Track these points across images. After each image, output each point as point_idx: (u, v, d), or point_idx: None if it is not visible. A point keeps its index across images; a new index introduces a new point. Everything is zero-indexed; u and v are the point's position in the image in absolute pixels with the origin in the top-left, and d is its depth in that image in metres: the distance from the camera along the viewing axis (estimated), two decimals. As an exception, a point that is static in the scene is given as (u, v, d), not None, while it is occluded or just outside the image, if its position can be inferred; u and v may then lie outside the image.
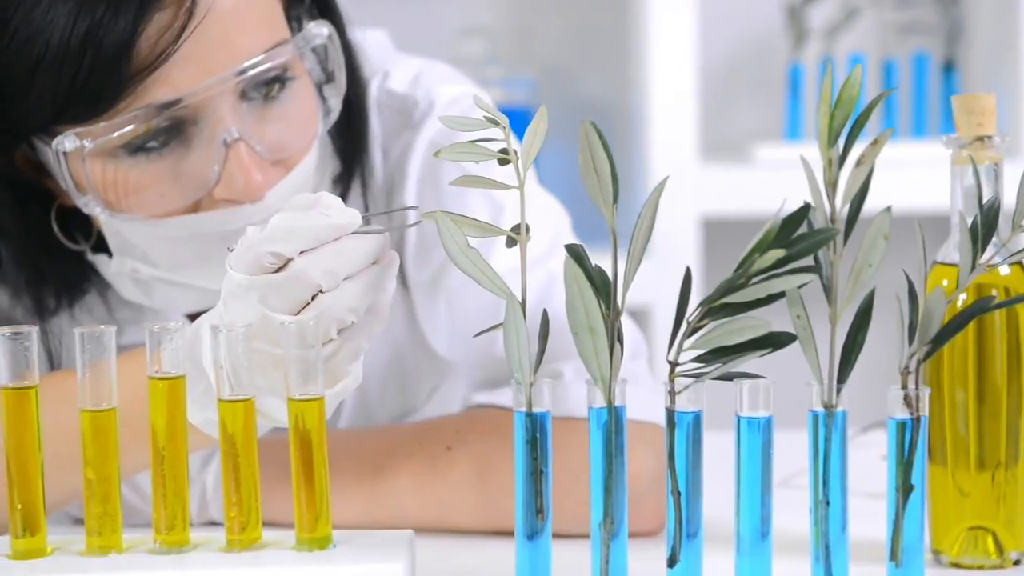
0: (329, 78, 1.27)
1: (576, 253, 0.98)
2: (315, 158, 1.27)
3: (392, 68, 1.40)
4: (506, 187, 1.07)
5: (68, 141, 1.18)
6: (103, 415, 1.00)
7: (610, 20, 2.80)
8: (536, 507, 1.00)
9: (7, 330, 1.00)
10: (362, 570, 0.96)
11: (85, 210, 1.22)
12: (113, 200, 1.21)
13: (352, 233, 1.05)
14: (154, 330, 1.01)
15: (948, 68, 2.69)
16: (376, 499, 1.27)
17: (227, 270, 1.06)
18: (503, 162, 1.06)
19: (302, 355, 1.00)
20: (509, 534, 1.23)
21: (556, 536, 1.23)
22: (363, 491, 1.26)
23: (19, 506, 1.00)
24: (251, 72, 1.19)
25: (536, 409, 1.00)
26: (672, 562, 0.98)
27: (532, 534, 1.00)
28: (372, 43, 1.41)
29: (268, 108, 1.21)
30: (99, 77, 1.14)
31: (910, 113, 2.70)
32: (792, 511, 1.12)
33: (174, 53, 1.15)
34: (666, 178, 1.01)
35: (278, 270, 1.04)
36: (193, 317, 1.35)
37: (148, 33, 1.15)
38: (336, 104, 1.27)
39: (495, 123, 1.05)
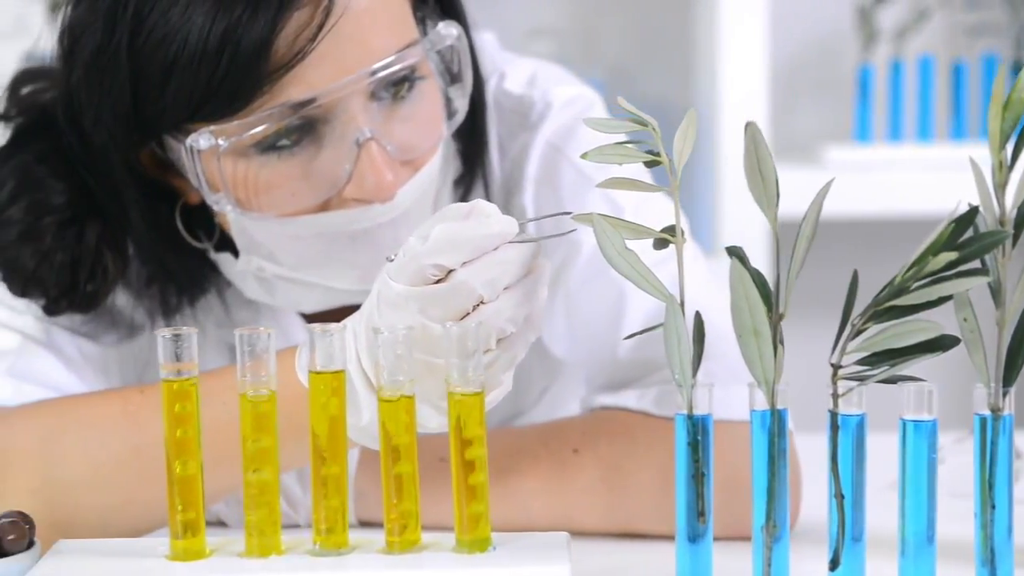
0: (455, 79, 1.27)
1: (740, 255, 0.98)
2: (439, 159, 1.27)
3: (508, 69, 1.40)
4: (657, 188, 1.07)
5: (203, 139, 1.18)
6: (262, 412, 1.00)
7: (674, 21, 2.80)
8: (698, 510, 0.99)
9: (168, 331, 1.00)
10: (528, 572, 0.96)
11: (216, 208, 1.22)
12: (243, 198, 1.21)
13: (509, 242, 1.05)
14: (315, 331, 1.00)
15: (1017, 69, 2.68)
16: (502, 501, 1.26)
17: (385, 280, 1.06)
18: (651, 164, 1.06)
19: (462, 363, 0.99)
20: (636, 536, 1.24)
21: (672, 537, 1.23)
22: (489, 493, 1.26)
23: (180, 507, 1.00)
24: (385, 72, 1.18)
25: (697, 412, 0.99)
26: (834, 565, 0.98)
27: (694, 536, 0.99)
28: (482, 44, 1.41)
29: (397, 108, 1.21)
30: (236, 76, 1.15)
31: (978, 114, 2.69)
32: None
33: (311, 52, 1.15)
34: (831, 180, 1.01)
35: (438, 281, 1.04)
36: (309, 318, 1.35)
37: (286, 32, 1.15)
38: (462, 105, 1.27)
39: (642, 124, 1.05)
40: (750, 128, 0.97)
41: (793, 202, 2.58)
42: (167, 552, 1.01)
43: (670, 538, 1.23)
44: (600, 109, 1.40)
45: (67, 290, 1.25)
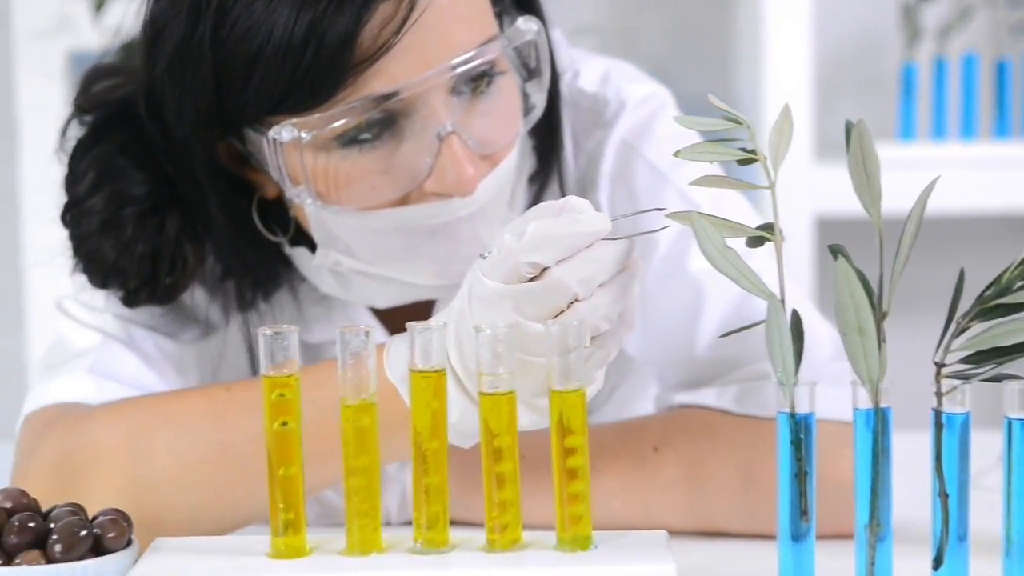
0: (532, 74, 1.27)
1: (844, 253, 0.97)
2: (516, 155, 1.26)
3: (581, 67, 1.40)
4: (754, 187, 1.07)
5: (286, 131, 1.17)
6: (363, 409, 1.00)
7: (714, 19, 2.80)
8: (800, 508, 0.99)
9: (268, 329, 0.99)
10: (635, 571, 0.96)
11: (296, 201, 1.22)
12: (323, 191, 1.20)
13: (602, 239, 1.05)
14: (415, 328, 1.00)
15: (1060, 67, 2.68)
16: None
17: (478, 277, 1.05)
18: (745, 161, 1.06)
19: (564, 360, 0.99)
20: (718, 534, 1.24)
21: (753, 536, 1.23)
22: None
23: (281, 505, 1.00)
24: (467, 66, 1.18)
25: (799, 410, 0.99)
26: (938, 564, 0.98)
27: (797, 536, 0.99)
28: (555, 41, 1.41)
29: (476, 103, 1.21)
30: (321, 69, 1.14)
31: (1021, 112, 2.69)
32: (984, 510, 1.10)
33: (395, 45, 1.15)
34: (937, 178, 1.00)
35: (532, 278, 1.04)
36: (379, 314, 1.35)
37: (371, 25, 1.14)
38: (540, 100, 1.27)
39: (736, 122, 1.05)
40: (858, 126, 0.96)
41: (838, 200, 2.59)
42: (267, 550, 1.00)
43: (750, 536, 1.24)
44: (673, 107, 1.40)
45: (147, 281, 1.25)
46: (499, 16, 1.27)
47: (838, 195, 2.53)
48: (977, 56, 2.65)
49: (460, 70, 1.18)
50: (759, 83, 2.56)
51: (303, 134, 1.17)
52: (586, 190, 1.36)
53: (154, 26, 1.20)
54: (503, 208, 1.25)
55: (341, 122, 1.16)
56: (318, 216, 1.23)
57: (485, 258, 1.06)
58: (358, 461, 1.00)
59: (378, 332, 1.35)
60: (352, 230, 1.23)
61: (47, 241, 2.46)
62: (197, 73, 1.17)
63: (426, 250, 1.23)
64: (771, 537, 1.21)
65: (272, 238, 1.28)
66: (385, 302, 1.30)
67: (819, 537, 1.00)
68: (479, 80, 1.21)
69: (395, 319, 1.35)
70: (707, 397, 1.28)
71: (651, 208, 1.11)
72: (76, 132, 1.33)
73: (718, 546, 1.22)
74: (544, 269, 1.05)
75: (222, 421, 1.16)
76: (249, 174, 1.26)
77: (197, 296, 1.32)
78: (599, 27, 2.74)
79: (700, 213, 1.01)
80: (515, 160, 1.26)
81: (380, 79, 1.16)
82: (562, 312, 1.04)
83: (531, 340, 1.04)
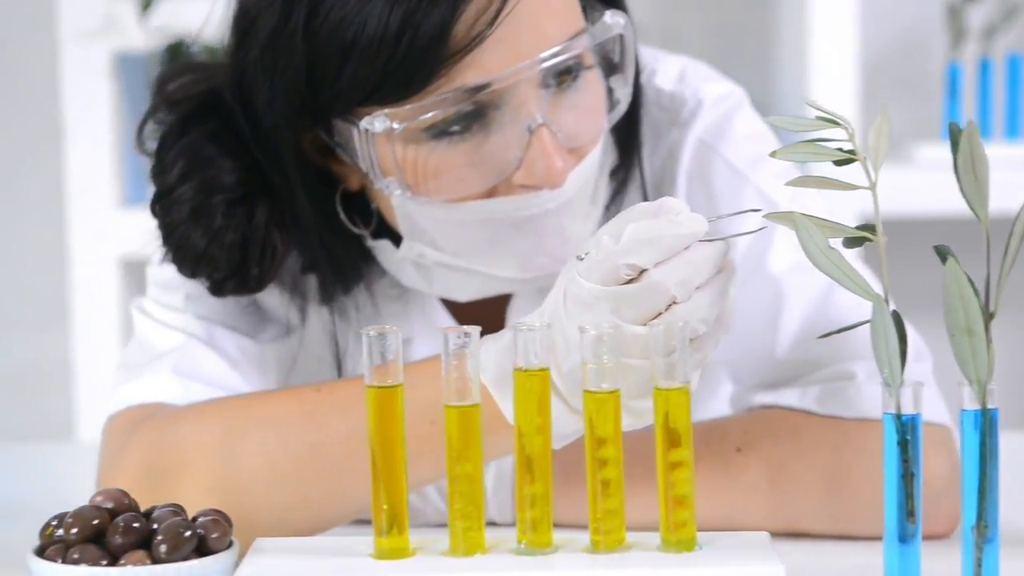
0: (614, 69, 1.27)
1: (951, 254, 0.97)
2: (600, 150, 1.26)
3: (658, 65, 1.40)
4: (853, 187, 1.07)
5: (378, 122, 1.17)
6: (468, 411, 1.00)
7: (756, 18, 2.79)
8: (907, 509, 0.99)
9: (372, 330, 0.99)
10: (745, 571, 0.96)
11: (384, 192, 1.22)
12: (412, 183, 1.20)
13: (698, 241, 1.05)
14: (520, 327, 1.00)
15: (1105, 67, 2.68)
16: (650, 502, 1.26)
17: (575, 278, 1.05)
18: (843, 162, 1.05)
19: (668, 359, 0.99)
20: (800, 535, 1.24)
21: (855, 538, 1.23)
22: (650, 492, 1.25)
23: (385, 505, 1.00)
24: (559, 58, 1.18)
25: (905, 412, 0.99)
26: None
27: (904, 537, 0.99)
28: None
29: (561, 96, 1.21)
30: (414, 60, 1.14)
31: (1065, 112, 2.69)
32: None
33: (488, 36, 1.15)
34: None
35: (630, 280, 1.04)
36: (454, 310, 1.35)
37: (466, 16, 1.14)
38: (624, 95, 1.27)
39: (833, 123, 1.04)
40: (968, 127, 0.96)
41: (882, 201, 2.58)
42: (371, 551, 1.00)
43: (833, 537, 1.23)
44: (748, 106, 1.40)
45: (236, 270, 1.25)
46: (585, 9, 1.27)
47: (883, 196, 2.52)
48: (1022, 56, 2.64)
49: (552, 62, 1.18)
50: (804, 83, 2.55)
51: (395, 124, 1.17)
52: (663, 188, 1.36)
53: (247, 15, 1.20)
54: (587, 203, 1.25)
55: (432, 113, 1.16)
56: (405, 208, 1.23)
57: (582, 259, 1.06)
58: (462, 464, 0.99)
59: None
60: (438, 222, 1.23)
61: (93, 238, 2.46)
62: (289, 63, 1.17)
63: (511, 243, 1.23)
64: (854, 538, 1.22)
65: (355, 230, 1.28)
66: (466, 295, 1.30)
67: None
68: (566, 73, 1.21)
69: (468, 317, 1.35)
70: (789, 398, 1.28)
71: (749, 209, 1.10)
72: (150, 130, 1.33)
73: (803, 547, 1.21)
74: (642, 271, 1.04)
75: (312, 422, 1.16)
76: (333, 166, 1.26)
77: (275, 295, 1.32)
78: (641, 25, 2.73)
79: (800, 213, 1.01)
80: (599, 155, 1.26)
81: (473, 70, 1.16)
82: (660, 314, 1.04)
83: (629, 342, 1.04)
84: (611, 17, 1.24)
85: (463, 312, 1.36)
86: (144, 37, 2.58)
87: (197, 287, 1.29)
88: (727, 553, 0.98)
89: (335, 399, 1.17)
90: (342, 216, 1.27)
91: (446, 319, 1.35)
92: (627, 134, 1.32)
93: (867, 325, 0.99)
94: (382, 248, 1.29)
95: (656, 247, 1.03)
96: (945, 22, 2.66)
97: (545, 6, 1.18)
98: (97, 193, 2.62)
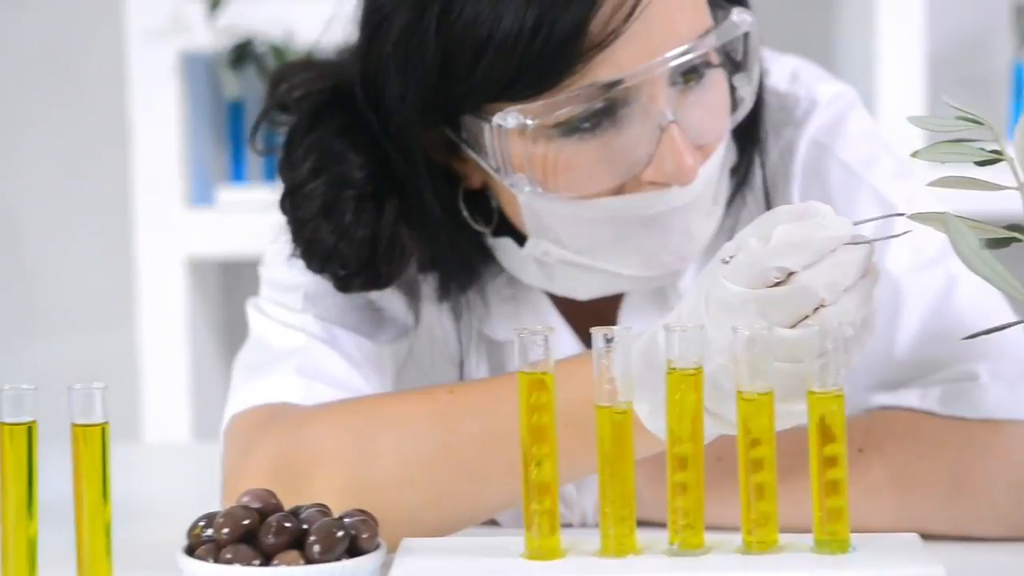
0: (738, 68, 1.26)
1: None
2: (723, 147, 1.26)
3: (771, 66, 1.39)
4: (998, 188, 1.06)
5: (511, 118, 1.17)
6: (620, 412, 0.99)
7: (817, 18, 2.79)
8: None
9: (525, 331, 0.99)
10: (906, 573, 0.95)
11: (512, 188, 1.21)
12: (541, 179, 1.20)
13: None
14: (671, 328, 1.00)
15: None
16: (786, 501, 1.25)
17: (719, 281, 1.05)
18: (987, 163, 1.05)
19: (823, 362, 0.99)
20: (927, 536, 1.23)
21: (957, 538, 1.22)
22: (789, 493, 1.25)
23: (535, 506, 0.99)
24: (690, 55, 1.18)
25: None
26: None
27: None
28: None
29: (688, 94, 1.21)
30: (549, 56, 1.14)
31: None
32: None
33: (623, 33, 1.15)
34: None
35: (777, 283, 1.03)
36: (563, 309, 1.34)
37: (602, 12, 1.15)
38: (748, 94, 1.26)
39: (976, 123, 1.04)
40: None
41: (950, 200, 2.57)
42: (522, 551, 1.00)
43: (958, 539, 1.23)
44: (861, 105, 1.40)
45: (364, 266, 1.24)
46: (711, 7, 1.26)
47: (950, 195, 2.51)
48: (1087, 57, 2.64)
49: (684, 59, 1.18)
50: (871, 83, 2.54)
51: (528, 120, 1.17)
52: (779, 188, 1.35)
53: (379, 12, 1.20)
54: (710, 201, 1.25)
55: (565, 109, 1.17)
56: (531, 205, 1.23)
57: (727, 263, 1.05)
58: (615, 465, 0.99)
59: (563, 332, 1.34)
60: (565, 219, 1.23)
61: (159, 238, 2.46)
62: (422, 59, 1.17)
63: (637, 241, 1.23)
64: (977, 539, 1.21)
65: (478, 227, 1.28)
66: (587, 293, 1.30)
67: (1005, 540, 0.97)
68: (694, 71, 1.21)
69: (579, 318, 1.35)
70: (910, 398, 1.27)
71: (895, 213, 1.10)
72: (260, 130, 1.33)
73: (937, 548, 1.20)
74: (789, 274, 1.04)
75: (445, 423, 1.16)
76: (455, 163, 1.26)
77: (392, 295, 1.32)
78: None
79: (952, 214, 1.00)
80: (722, 153, 1.26)
81: (606, 67, 1.16)
82: (806, 318, 1.04)
83: (776, 345, 1.03)
84: (738, 15, 1.23)
85: (574, 312, 1.35)
86: (211, 37, 2.58)
87: (315, 287, 1.29)
88: (883, 555, 0.98)
89: (469, 400, 1.16)
90: (465, 213, 1.26)
91: (557, 319, 1.35)
92: (747, 132, 1.32)
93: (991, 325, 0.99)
94: (502, 246, 1.29)
95: (805, 250, 1.03)
96: (1012, 22, 2.65)
97: (678, 3, 1.18)
98: (163, 193, 2.62)
